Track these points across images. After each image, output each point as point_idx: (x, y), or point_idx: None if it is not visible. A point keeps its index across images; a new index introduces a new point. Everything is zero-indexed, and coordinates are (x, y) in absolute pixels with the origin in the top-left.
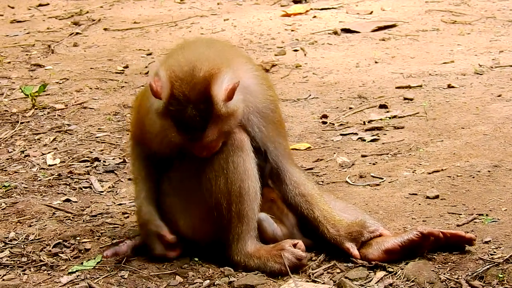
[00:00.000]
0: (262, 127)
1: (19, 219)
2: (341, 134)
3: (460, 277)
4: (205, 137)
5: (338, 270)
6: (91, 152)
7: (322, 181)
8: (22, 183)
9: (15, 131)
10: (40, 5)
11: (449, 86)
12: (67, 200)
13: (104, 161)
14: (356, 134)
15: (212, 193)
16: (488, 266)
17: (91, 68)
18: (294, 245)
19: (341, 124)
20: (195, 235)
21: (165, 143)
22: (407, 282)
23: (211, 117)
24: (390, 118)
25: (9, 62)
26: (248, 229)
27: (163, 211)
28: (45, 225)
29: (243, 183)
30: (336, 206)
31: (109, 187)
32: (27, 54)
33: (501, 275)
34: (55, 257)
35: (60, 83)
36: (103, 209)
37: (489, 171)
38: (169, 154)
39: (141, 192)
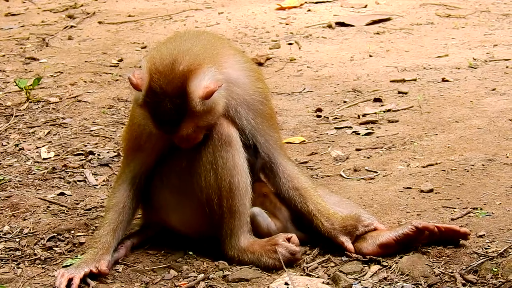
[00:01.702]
0: (251, 119)
1: (13, 212)
2: (335, 128)
3: (454, 271)
4: (179, 131)
5: (333, 264)
6: (86, 146)
7: (317, 175)
8: (17, 177)
9: (9, 124)
10: None
11: (443, 80)
12: (62, 194)
13: (99, 155)
14: (350, 127)
15: (203, 188)
16: (482, 260)
17: (85, 62)
18: (288, 239)
19: (336, 118)
20: (188, 229)
21: (154, 138)
22: (401, 276)
23: (186, 112)
24: (384, 111)
25: (3, 56)
26: (240, 224)
27: (154, 206)
28: (40, 218)
29: (233, 178)
30: (330, 200)
31: (103, 181)
32: (21, 48)
33: (495, 269)
34: (49, 251)
35: (54, 77)
36: (98, 202)
37: (483, 165)
38: (162, 152)
39: (109, 220)
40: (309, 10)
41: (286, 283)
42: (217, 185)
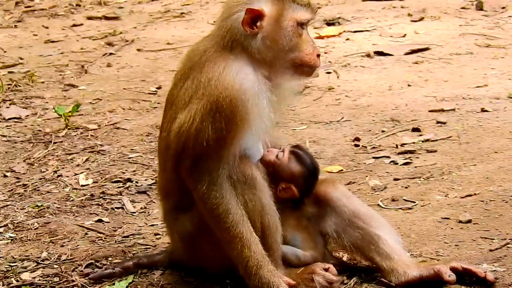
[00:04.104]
0: None
1: (51, 239)
2: (373, 157)
3: None
4: None
5: None
6: (124, 173)
7: None
8: (55, 203)
9: (48, 151)
10: (74, 25)
11: (483, 110)
12: (99, 221)
13: (137, 182)
14: (388, 157)
15: None
16: None
17: (124, 89)
18: (326, 269)
19: (374, 147)
20: (223, 269)
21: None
22: None
23: None
24: (423, 141)
25: (42, 82)
26: (274, 259)
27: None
28: (77, 245)
29: (263, 218)
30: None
31: (141, 208)
32: (60, 74)
33: None
34: (87, 278)
35: (93, 103)
36: (135, 230)
37: None
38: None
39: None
40: (347, 39)
41: None
42: None
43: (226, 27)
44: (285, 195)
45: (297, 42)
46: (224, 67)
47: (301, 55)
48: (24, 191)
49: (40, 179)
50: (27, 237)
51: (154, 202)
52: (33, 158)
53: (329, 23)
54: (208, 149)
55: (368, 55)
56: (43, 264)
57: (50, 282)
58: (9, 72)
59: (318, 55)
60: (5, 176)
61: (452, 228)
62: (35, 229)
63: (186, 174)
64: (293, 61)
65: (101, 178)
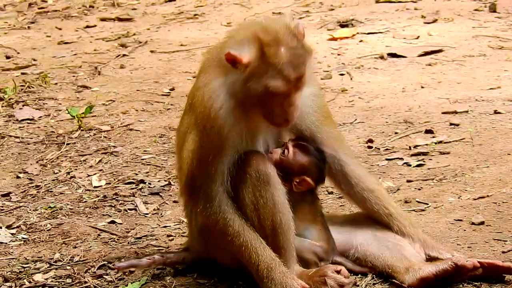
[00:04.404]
0: (312, 116)
1: (64, 240)
2: (386, 159)
3: None
4: (305, 75)
5: None
6: (137, 174)
7: None
8: (68, 205)
9: (61, 152)
10: (87, 26)
11: (496, 112)
12: (112, 222)
13: (150, 183)
14: (401, 159)
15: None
16: None
17: (137, 90)
18: (338, 272)
19: (387, 149)
20: (236, 265)
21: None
22: None
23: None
24: (436, 143)
25: (56, 84)
26: (286, 259)
27: (202, 239)
28: (90, 246)
29: (274, 216)
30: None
31: (154, 209)
32: (73, 76)
33: None
34: (99, 279)
35: (106, 105)
36: (148, 231)
37: None
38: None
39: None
40: (361, 41)
41: None
42: (260, 224)
43: (221, 47)
44: (302, 188)
45: (267, 102)
46: (209, 80)
47: (268, 113)
48: (37, 192)
49: (53, 180)
50: (40, 238)
51: (167, 204)
52: (46, 159)
53: (343, 25)
54: (198, 167)
55: (382, 57)
56: (56, 265)
57: (63, 283)
58: (22, 74)
59: (286, 120)
60: (18, 177)
61: (464, 230)
62: (47, 230)
63: (185, 192)
64: (261, 113)
65: (114, 180)
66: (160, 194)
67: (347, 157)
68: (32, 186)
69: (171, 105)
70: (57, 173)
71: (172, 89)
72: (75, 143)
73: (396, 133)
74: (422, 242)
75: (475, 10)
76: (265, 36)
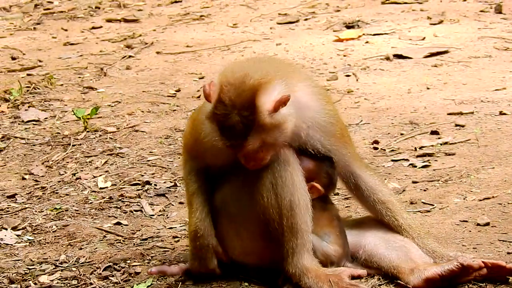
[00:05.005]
0: (324, 141)
1: (69, 241)
2: (392, 160)
3: None
4: (246, 145)
5: None
6: (142, 176)
7: None
8: (73, 206)
9: (66, 153)
10: (93, 28)
11: (501, 113)
12: (118, 223)
13: (155, 185)
14: (407, 160)
15: (264, 209)
16: None
17: (143, 91)
18: (355, 277)
19: (392, 150)
20: (246, 257)
21: (217, 154)
22: None
23: (254, 125)
24: (441, 144)
25: (61, 85)
26: (303, 242)
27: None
28: (96, 248)
29: (293, 196)
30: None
31: (160, 211)
32: (79, 77)
33: None
34: (105, 280)
35: (112, 106)
36: (154, 232)
37: None
38: (220, 166)
39: (197, 206)
40: (367, 42)
41: None
42: (277, 204)
43: None
44: (313, 196)
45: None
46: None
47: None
48: (43, 193)
49: (59, 181)
50: (46, 239)
51: (172, 205)
52: (52, 160)
53: (349, 26)
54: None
55: (387, 58)
56: (61, 266)
57: (68, 285)
58: (28, 75)
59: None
60: (23, 178)
61: (470, 231)
62: (53, 231)
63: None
64: None
65: (120, 181)
66: (166, 195)
67: (359, 171)
68: (38, 188)
69: (177, 106)
70: (62, 174)
71: (178, 91)
72: (80, 144)
73: (401, 134)
74: (431, 253)
75: (481, 11)
76: (225, 86)
